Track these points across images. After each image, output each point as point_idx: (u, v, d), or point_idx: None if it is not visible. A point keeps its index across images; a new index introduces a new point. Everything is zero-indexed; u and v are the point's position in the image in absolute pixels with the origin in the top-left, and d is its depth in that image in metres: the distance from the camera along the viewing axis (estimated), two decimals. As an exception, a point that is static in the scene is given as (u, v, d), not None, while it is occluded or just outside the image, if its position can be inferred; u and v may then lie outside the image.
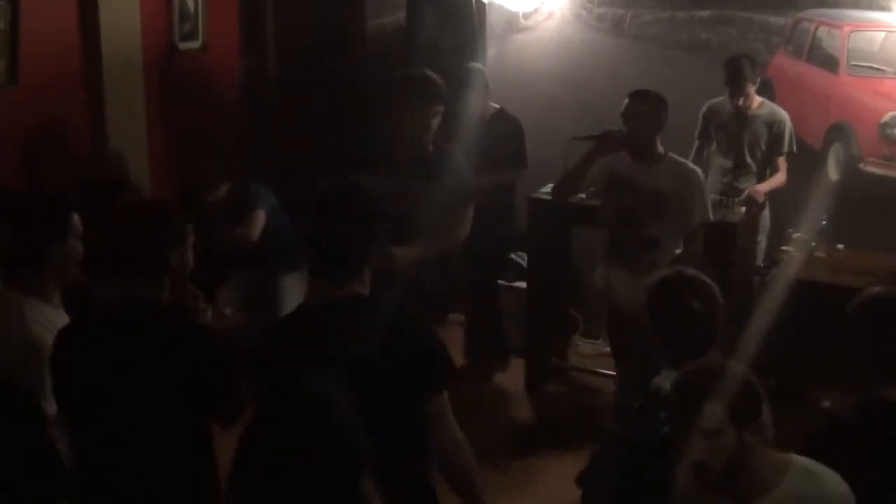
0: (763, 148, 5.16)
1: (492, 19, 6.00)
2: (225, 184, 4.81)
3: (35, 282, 2.81)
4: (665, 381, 2.55)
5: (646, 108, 4.10)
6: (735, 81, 5.01)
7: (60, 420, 2.62)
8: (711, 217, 4.21)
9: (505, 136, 5.19)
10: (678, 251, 4.23)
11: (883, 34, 5.20)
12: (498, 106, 5.27)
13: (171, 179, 5.15)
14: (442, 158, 4.09)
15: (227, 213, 4.76)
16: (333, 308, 2.45)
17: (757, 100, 5.13)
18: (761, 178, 5.16)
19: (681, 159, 4.27)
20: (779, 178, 5.16)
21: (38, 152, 4.55)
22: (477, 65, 5.35)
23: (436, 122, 4.05)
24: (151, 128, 5.10)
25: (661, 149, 4.17)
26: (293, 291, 4.79)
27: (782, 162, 5.16)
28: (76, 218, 2.89)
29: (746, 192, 5.04)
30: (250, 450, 1.79)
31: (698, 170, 4.27)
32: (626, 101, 4.15)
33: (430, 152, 4.08)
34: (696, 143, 5.31)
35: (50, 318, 2.77)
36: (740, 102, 5.05)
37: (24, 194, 3.72)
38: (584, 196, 4.64)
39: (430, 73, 4.14)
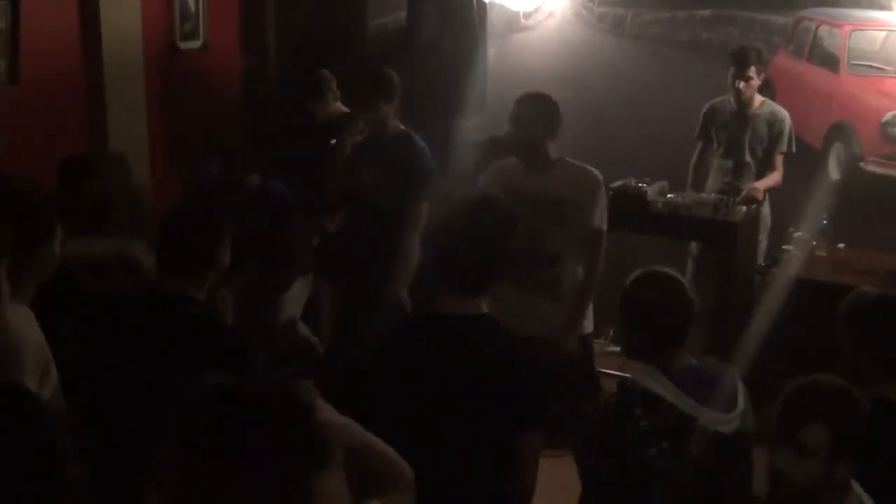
0: (762, 148, 5.16)
1: (492, 18, 6.00)
2: (256, 176, 4.68)
3: None
4: (645, 377, 2.56)
5: (532, 111, 3.94)
6: (740, 61, 4.98)
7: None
8: (603, 226, 3.99)
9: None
10: (580, 267, 4.04)
11: (884, 33, 5.20)
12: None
13: (172, 180, 5.15)
14: (402, 142, 4.16)
15: (254, 209, 4.58)
16: (465, 322, 2.40)
17: (758, 99, 5.12)
18: (760, 176, 5.16)
19: (578, 163, 4.04)
20: (775, 177, 5.16)
21: (39, 152, 4.56)
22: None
23: (371, 116, 4.23)
24: (152, 127, 5.10)
25: (552, 155, 3.99)
26: (294, 292, 4.78)
27: (780, 160, 5.16)
28: None
29: (745, 191, 5.03)
30: None
31: (597, 173, 4.04)
32: (514, 104, 4.00)
33: (389, 135, 4.18)
34: (699, 143, 5.31)
35: None
36: (740, 86, 5.00)
37: None
38: None
39: (378, 67, 4.28)
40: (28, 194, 3.07)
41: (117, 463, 2.59)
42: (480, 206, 2.53)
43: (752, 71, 4.99)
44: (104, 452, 2.64)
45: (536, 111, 3.94)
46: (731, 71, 5.03)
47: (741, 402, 2.58)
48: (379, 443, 1.84)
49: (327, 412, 1.71)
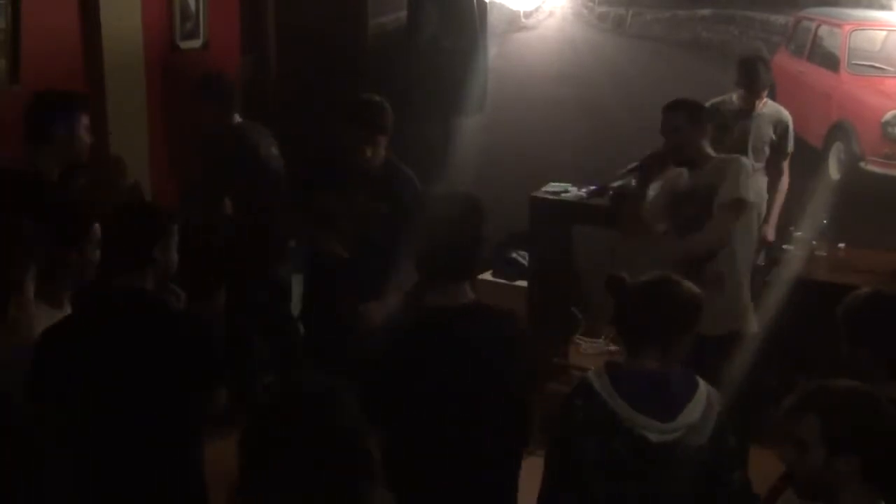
0: (766, 148, 5.16)
1: (493, 18, 6.00)
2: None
3: None
4: (593, 373, 2.59)
5: (682, 118, 4.04)
6: (752, 85, 5.00)
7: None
8: (745, 195, 3.91)
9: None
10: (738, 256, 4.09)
11: (884, 33, 5.19)
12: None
13: (172, 179, 5.15)
14: (391, 174, 4.06)
15: None
16: (465, 311, 2.61)
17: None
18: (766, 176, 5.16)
19: (726, 156, 4.14)
20: (783, 191, 5.17)
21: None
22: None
23: (374, 150, 4.01)
24: (152, 127, 5.10)
25: (708, 151, 4.09)
26: (294, 292, 4.79)
27: (786, 165, 5.16)
28: None
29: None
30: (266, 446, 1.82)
31: (739, 157, 4.11)
32: (662, 115, 4.10)
33: (377, 168, 4.06)
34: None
35: None
36: (752, 105, 5.05)
37: None
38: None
39: (377, 98, 4.09)
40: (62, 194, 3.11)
41: (96, 458, 2.59)
42: (450, 201, 2.80)
43: (765, 89, 5.01)
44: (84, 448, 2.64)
45: (685, 117, 4.03)
46: (741, 92, 5.05)
47: (693, 416, 2.49)
48: None
49: None
